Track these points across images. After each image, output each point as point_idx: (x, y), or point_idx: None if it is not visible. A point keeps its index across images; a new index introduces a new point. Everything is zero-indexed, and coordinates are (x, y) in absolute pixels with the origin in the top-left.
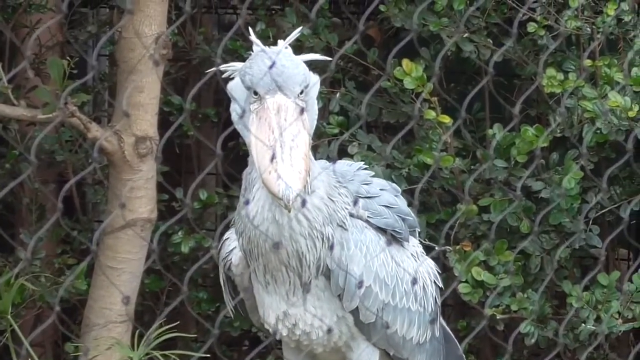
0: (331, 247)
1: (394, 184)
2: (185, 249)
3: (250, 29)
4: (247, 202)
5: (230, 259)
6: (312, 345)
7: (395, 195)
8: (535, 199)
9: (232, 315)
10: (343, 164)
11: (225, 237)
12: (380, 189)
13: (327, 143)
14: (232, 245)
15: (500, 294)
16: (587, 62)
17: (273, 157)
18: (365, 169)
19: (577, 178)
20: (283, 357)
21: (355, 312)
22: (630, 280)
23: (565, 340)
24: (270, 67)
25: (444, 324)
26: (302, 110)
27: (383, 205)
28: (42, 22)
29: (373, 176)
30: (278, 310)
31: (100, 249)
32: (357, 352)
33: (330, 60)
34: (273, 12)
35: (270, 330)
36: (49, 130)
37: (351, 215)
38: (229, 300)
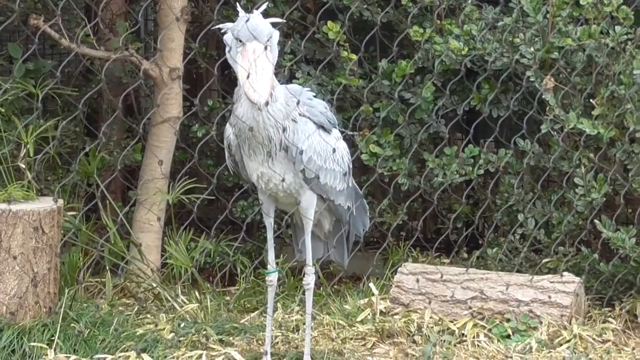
0: (284, 130)
1: (324, 102)
2: (199, 134)
3: (237, 4)
4: (237, 107)
5: (229, 138)
6: (278, 191)
7: (325, 107)
8: (406, 104)
9: (231, 173)
10: (296, 86)
11: (226, 127)
12: (318, 103)
13: (283, 71)
14: (229, 131)
15: (386, 159)
16: (437, 22)
17: (249, 77)
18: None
19: (431, 90)
20: (258, 197)
21: (302, 171)
22: (463, 151)
23: (425, 187)
24: (246, 21)
25: (353, 179)
26: (268, 51)
27: (318, 111)
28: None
29: (315, 96)
30: (257, 171)
31: (149, 134)
32: (303, 195)
33: (285, 22)
34: None
35: (254, 182)
36: (118, 64)
37: (300, 114)
38: (229, 163)
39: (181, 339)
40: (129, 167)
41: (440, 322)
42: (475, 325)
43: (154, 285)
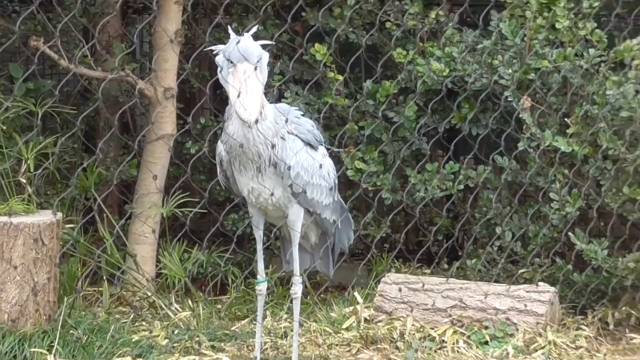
0: (273, 147)
1: (311, 120)
2: (192, 150)
3: (229, 27)
4: (228, 125)
5: (221, 155)
6: (267, 205)
7: (312, 125)
8: (390, 122)
9: (222, 187)
10: (285, 105)
11: (218, 144)
12: (305, 122)
13: (273, 91)
14: (220, 148)
15: (371, 175)
16: (420, 44)
17: (240, 96)
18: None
19: (413, 109)
20: (248, 211)
21: (290, 186)
22: (443, 167)
23: (408, 201)
24: (237, 43)
25: (338, 194)
26: (258, 71)
27: (306, 129)
28: (110, 23)
29: (303, 115)
30: (248, 186)
31: (144, 151)
32: (291, 209)
33: (274, 44)
34: (241, 16)
35: (245, 197)
36: (114, 83)
37: (288, 132)
38: (221, 178)
39: (175, 345)
40: (125, 181)
41: (421, 329)
42: (455, 332)
43: (149, 294)
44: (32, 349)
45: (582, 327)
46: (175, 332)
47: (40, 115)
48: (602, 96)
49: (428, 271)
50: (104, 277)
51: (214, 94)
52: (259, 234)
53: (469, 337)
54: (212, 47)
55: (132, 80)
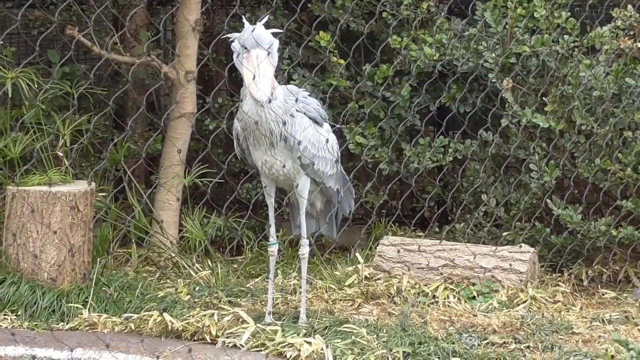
0: (284, 124)
1: (316, 100)
2: (211, 127)
3: (243, 17)
4: (243, 104)
5: (237, 130)
6: (279, 176)
7: (318, 104)
8: (387, 101)
9: (239, 159)
10: (293, 86)
11: (234, 121)
12: (312, 101)
13: (282, 74)
14: (237, 124)
15: (370, 149)
16: (413, 32)
17: (254, 78)
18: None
19: (408, 90)
20: (261, 181)
21: (299, 159)
22: (435, 141)
23: (403, 172)
24: (252, 31)
25: (341, 166)
26: (269, 56)
27: (312, 108)
28: (137, 13)
29: (310, 95)
30: (261, 159)
31: (168, 127)
32: (299, 179)
33: (283, 32)
34: (254, 7)
35: (258, 168)
36: (142, 68)
37: (297, 110)
38: (238, 152)
39: (196, 300)
40: (151, 155)
41: (416, 286)
42: (445, 288)
43: (173, 255)
44: (69, 304)
45: (560, 283)
46: (197, 289)
47: (75, 96)
48: (576, 78)
49: (422, 234)
50: (133, 240)
51: (230, 77)
52: (270, 202)
53: (458, 292)
54: (229, 35)
55: (157, 64)
